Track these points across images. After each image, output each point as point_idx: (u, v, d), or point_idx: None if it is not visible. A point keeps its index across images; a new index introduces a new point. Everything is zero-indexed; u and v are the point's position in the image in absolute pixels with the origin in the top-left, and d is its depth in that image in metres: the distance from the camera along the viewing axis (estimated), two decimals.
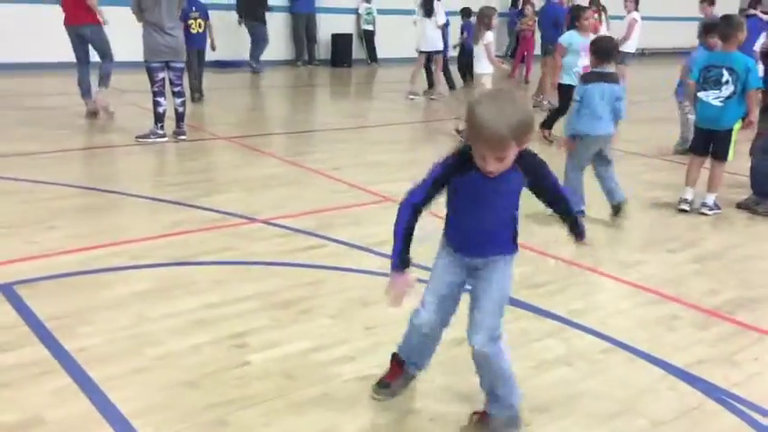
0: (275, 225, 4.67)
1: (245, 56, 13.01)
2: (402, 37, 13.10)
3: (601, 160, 4.95)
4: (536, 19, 12.14)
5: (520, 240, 2.46)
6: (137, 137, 6.97)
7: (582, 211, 4.79)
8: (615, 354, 3.16)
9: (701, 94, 5.17)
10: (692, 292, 3.86)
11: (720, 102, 5.07)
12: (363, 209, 5.15)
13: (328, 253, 4.25)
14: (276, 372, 2.89)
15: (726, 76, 5.02)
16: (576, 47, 7.05)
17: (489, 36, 7.70)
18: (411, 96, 10.37)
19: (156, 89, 6.91)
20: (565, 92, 7.06)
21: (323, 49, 14.72)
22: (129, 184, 5.50)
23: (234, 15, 12.88)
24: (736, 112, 5.08)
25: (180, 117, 7.12)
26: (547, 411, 2.69)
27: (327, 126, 8.44)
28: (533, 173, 2.30)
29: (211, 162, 6.36)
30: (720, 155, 5.21)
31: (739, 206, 5.51)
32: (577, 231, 2.49)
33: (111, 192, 5.28)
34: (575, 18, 7.33)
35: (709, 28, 6.12)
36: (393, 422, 2.60)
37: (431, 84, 10.85)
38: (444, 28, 10.43)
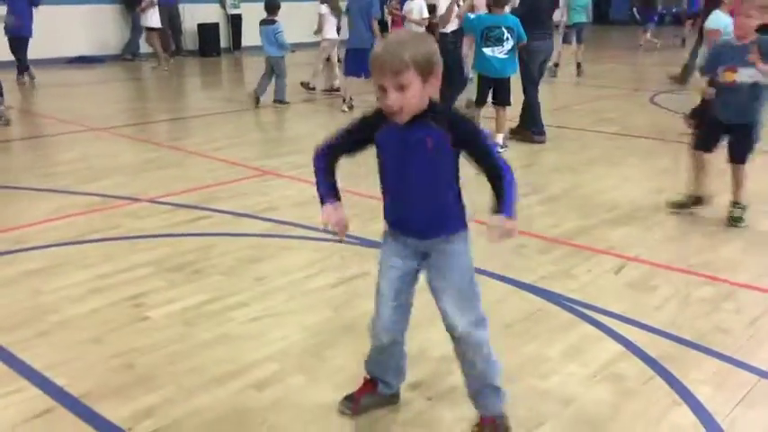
0: (160, 203, 4.87)
1: (109, 51, 12.78)
2: None
3: None
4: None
5: None
6: None
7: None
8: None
9: (486, 51, 6.21)
10: (539, 226, 4.46)
11: (505, 55, 6.22)
12: (245, 182, 5.43)
13: (214, 222, 4.51)
14: (176, 322, 3.16)
15: (506, 33, 6.18)
16: None
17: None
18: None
19: None
20: None
21: (190, 40, 14.64)
22: (2, 178, 5.48)
23: (101, 9, 12.65)
24: (515, 62, 6.37)
25: None
26: (416, 327, 3.08)
27: (202, 112, 8.57)
28: (456, 129, 2.09)
29: (87, 152, 6.38)
30: (505, 101, 6.43)
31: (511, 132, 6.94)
32: (504, 207, 2.05)
33: None
34: None
35: None
36: (289, 346, 2.95)
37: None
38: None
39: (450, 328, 2.24)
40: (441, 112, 2.11)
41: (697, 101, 6.79)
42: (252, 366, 2.79)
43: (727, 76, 4.28)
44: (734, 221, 4.45)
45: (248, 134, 7.36)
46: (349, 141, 2.24)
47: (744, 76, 4.23)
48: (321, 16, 9.31)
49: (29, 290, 3.47)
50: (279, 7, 8.61)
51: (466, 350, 2.25)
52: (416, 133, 2.08)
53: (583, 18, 11.55)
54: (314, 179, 2.27)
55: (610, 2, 23.69)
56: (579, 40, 11.65)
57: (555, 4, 6.89)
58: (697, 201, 4.67)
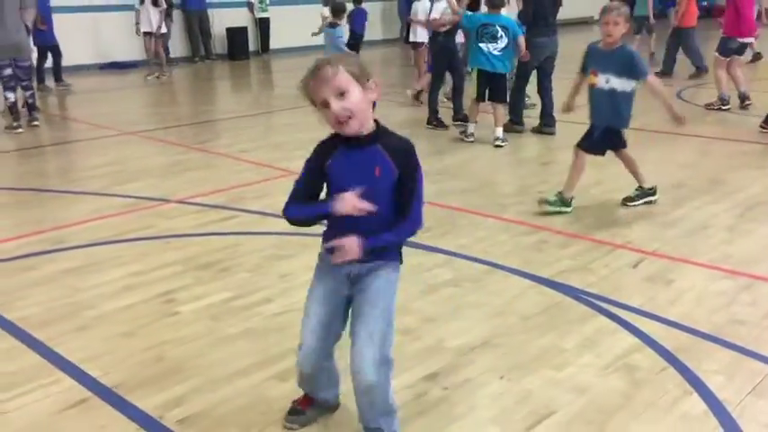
0: (189, 203, 5.03)
1: (143, 56, 13.05)
2: (296, 26, 13.47)
3: None
4: None
5: None
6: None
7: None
8: (494, 273, 3.75)
9: (482, 46, 6.45)
10: (559, 221, 4.52)
11: (499, 52, 6.47)
12: (271, 183, 5.57)
13: (241, 222, 4.65)
14: (204, 317, 3.30)
15: (500, 31, 6.43)
16: None
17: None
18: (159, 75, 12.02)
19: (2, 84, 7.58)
20: None
21: (219, 44, 14.90)
22: (39, 181, 5.71)
23: (132, 15, 12.91)
24: (509, 60, 6.60)
25: (31, 107, 7.90)
26: (435, 320, 3.23)
27: (230, 115, 8.76)
28: (402, 161, 2.13)
29: (119, 155, 6.59)
30: (501, 97, 6.67)
31: (532, 130, 7.13)
32: (375, 239, 2.13)
33: (23, 189, 5.48)
34: None
35: None
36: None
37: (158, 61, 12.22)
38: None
39: (354, 367, 2.18)
40: (390, 137, 2.14)
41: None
42: (276, 358, 2.91)
43: (590, 79, 4.63)
44: (625, 201, 4.78)
45: (275, 136, 7.52)
46: (308, 184, 2.22)
47: (602, 81, 4.53)
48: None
49: (67, 287, 3.64)
50: (344, 11, 9.15)
51: (362, 392, 2.21)
52: (366, 158, 2.12)
53: (643, 11, 11.72)
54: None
55: None
56: (639, 32, 11.75)
57: (558, 2, 7.10)
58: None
